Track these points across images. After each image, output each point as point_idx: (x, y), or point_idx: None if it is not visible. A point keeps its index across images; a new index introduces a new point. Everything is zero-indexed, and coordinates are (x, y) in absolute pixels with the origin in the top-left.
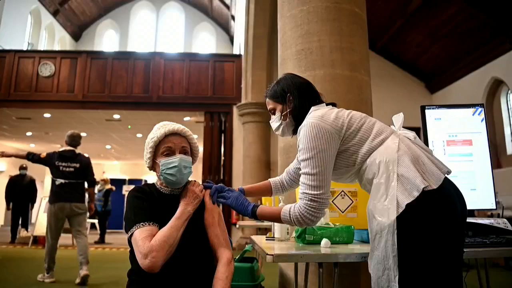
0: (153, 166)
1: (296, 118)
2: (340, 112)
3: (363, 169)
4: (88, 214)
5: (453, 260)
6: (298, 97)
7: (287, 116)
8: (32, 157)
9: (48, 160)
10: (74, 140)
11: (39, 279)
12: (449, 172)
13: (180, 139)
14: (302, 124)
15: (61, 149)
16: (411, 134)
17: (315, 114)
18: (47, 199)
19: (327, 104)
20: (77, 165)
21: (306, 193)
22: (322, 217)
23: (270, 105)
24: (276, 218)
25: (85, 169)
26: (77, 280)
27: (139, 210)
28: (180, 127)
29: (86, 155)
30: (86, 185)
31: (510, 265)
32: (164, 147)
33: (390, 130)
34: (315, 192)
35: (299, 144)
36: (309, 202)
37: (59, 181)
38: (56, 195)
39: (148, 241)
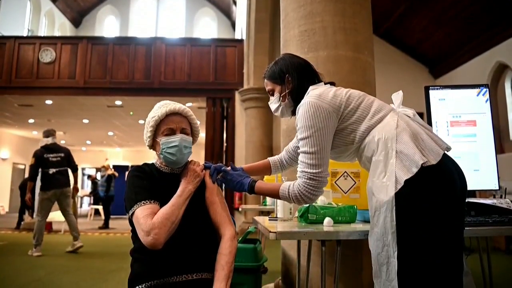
0: (153, 145)
1: (295, 99)
2: (338, 90)
3: (362, 147)
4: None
5: (452, 236)
6: (296, 78)
7: (286, 97)
8: (33, 175)
9: (39, 159)
10: (50, 133)
11: (29, 254)
12: (448, 148)
13: (181, 119)
14: (300, 103)
15: (43, 144)
16: (410, 112)
17: (313, 93)
18: None
19: (325, 83)
20: (62, 155)
21: (305, 172)
22: (321, 195)
23: (268, 86)
24: (274, 194)
25: (68, 157)
26: (69, 248)
27: (140, 189)
28: (181, 107)
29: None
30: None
31: (511, 249)
32: (165, 127)
33: (389, 108)
34: (314, 171)
35: (297, 123)
36: (307, 181)
37: (51, 170)
38: (50, 183)
39: (150, 219)
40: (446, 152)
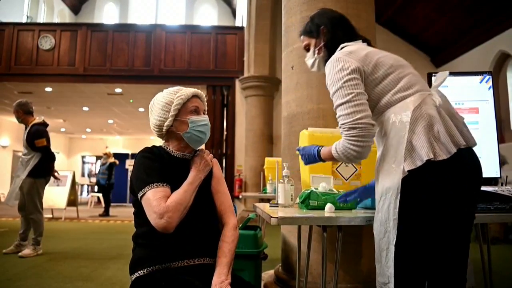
0: (173, 125)
1: (330, 51)
2: (370, 52)
3: (376, 123)
4: None
5: (450, 233)
6: (331, 29)
7: (322, 50)
8: (51, 155)
9: (48, 138)
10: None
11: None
12: (467, 145)
13: (201, 102)
14: (329, 59)
15: (38, 121)
16: (439, 100)
17: (344, 50)
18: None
19: (363, 41)
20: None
21: (344, 124)
22: (368, 145)
23: (304, 41)
24: (331, 156)
25: None
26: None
27: (151, 171)
28: (200, 92)
29: None
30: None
31: (509, 239)
32: (192, 105)
33: (419, 88)
34: (351, 119)
35: (327, 80)
36: (348, 132)
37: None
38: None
39: (164, 202)
40: (463, 147)
